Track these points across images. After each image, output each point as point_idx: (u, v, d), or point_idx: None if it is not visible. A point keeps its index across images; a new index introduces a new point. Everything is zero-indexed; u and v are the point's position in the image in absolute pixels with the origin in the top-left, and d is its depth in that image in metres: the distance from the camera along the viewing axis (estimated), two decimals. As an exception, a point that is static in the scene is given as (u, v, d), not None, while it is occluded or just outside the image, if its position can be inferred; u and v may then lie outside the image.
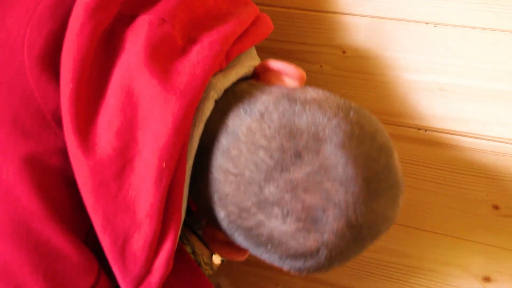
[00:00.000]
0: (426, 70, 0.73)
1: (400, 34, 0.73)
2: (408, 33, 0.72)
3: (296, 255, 0.53)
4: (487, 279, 0.79)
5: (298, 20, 0.77)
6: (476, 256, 0.78)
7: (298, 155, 0.51)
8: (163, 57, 0.53)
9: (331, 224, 0.51)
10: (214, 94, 0.56)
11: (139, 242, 0.51)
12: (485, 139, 0.73)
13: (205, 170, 0.55)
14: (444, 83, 0.73)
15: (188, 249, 0.69)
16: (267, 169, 0.51)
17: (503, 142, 0.72)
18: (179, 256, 0.69)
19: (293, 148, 0.51)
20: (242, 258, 0.66)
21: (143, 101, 0.51)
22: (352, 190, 0.50)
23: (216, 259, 0.71)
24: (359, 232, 0.52)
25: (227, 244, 0.66)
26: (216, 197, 0.54)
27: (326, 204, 0.50)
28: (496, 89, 0.71)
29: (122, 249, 0.51)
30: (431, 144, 0.76)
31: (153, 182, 0.50)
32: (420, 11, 0.71)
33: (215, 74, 0.56)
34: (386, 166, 0.54)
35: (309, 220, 0.51)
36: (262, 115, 0.54)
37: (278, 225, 0.52)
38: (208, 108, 0.55)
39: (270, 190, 0.51)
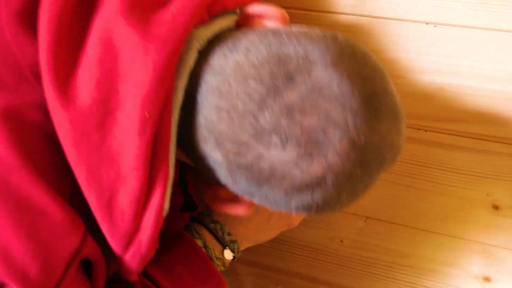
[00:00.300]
0: (426, 70, 0.73)
1: (400, 34, 0.73)
2: (408, 33, 0.72)
3: (302, 186, 0.51)
4: (487, 279, 0.79)
5: (298, 20, 0.77)
6: (476, 256, 0.78)
7: (289, 78, 0.50)
8: (143, 8, 0.52)
9: (333, 144, 0.49)
10: (197, 45, 0.55)
11: (126, 196, 0.50)
12: (485, 139, 0.73)
13: (196, 116, 0.54)
14: (444, 83, 0.73)
15: (199, 243, 0.69)
16: (259, 97, 0.50)
17: (503, 142, 0.72)
18: (190, 249, 0.68)
19: (284, 72, 0.50)
20: (247, 211, 0.64)
21: (123, 52, 0.51)
22: (350, 107, 0.49)
23: (228, 255, 0.70)
24: (364, 154, 0.50)
25: (230, 200, 0.64)
26: (211, 140, 0.53)
27: (325, 125, 0.49)
28: (496, 89, 0.71)
29: (109, 204, 0.50)
30: (431, 144, 0.76)
31: (136, 133, 0.50)
32: (420, 11, 0.71)
33: (197, 27, 0.56)
34: (382, 87, 0.52)
35: (310, 143, 0.49)
36: (248, 49, 0.53)
37: (278, 154, 0.50)
38: (191, 58, 0.54)
39: (266, 118, 0.50)
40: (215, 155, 0.54)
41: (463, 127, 0.74)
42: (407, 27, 0.72)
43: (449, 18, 0.70)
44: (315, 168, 0.50)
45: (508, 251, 0.76)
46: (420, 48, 0.72)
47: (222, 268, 0.71)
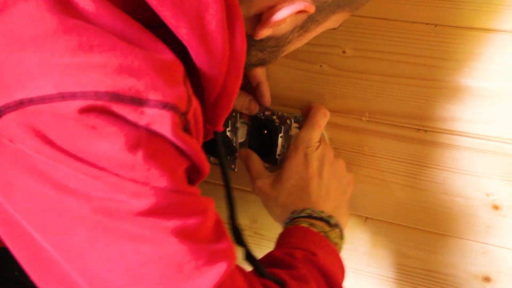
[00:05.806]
0: (426, 70, 0.73)
1: (400, 34, 0.73)
2: (408, 33, 0.72)
3: None
4: (487, 279, 0.79)
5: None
6: (476, 256, 0.78)
7: None
8: None
9: None
10: None
11: (213, 19, 0.51)
12: (485, 139, 0.73)
13: None
14: (444, 83, 0.73)
15: (304, 224, 0.71)
16: None
17: (503, 142, 0.72)
18: (298, 230, 0.70)
19: None
20: None
21: None
22: None
23: (334, 222, 0.72)
24: None
25: None
26: None
27: None
28: (496, 89, 0.71)
29: (201, 31, 0.51)
30: (431, 144, 0.76)
31: None
32: (420, 11, 0.71)
33: None
34: None
35: None
36: None
37: None
38: None
39: None
40: None
41: (463, 127, 0.74)
42: (407, 27, 0.72)
43: (449, 18, 0.70)
44: None
45: (508, 251, 0.76)
46: (420, 48, 0.72)
47: (339, 241, 0.71)
